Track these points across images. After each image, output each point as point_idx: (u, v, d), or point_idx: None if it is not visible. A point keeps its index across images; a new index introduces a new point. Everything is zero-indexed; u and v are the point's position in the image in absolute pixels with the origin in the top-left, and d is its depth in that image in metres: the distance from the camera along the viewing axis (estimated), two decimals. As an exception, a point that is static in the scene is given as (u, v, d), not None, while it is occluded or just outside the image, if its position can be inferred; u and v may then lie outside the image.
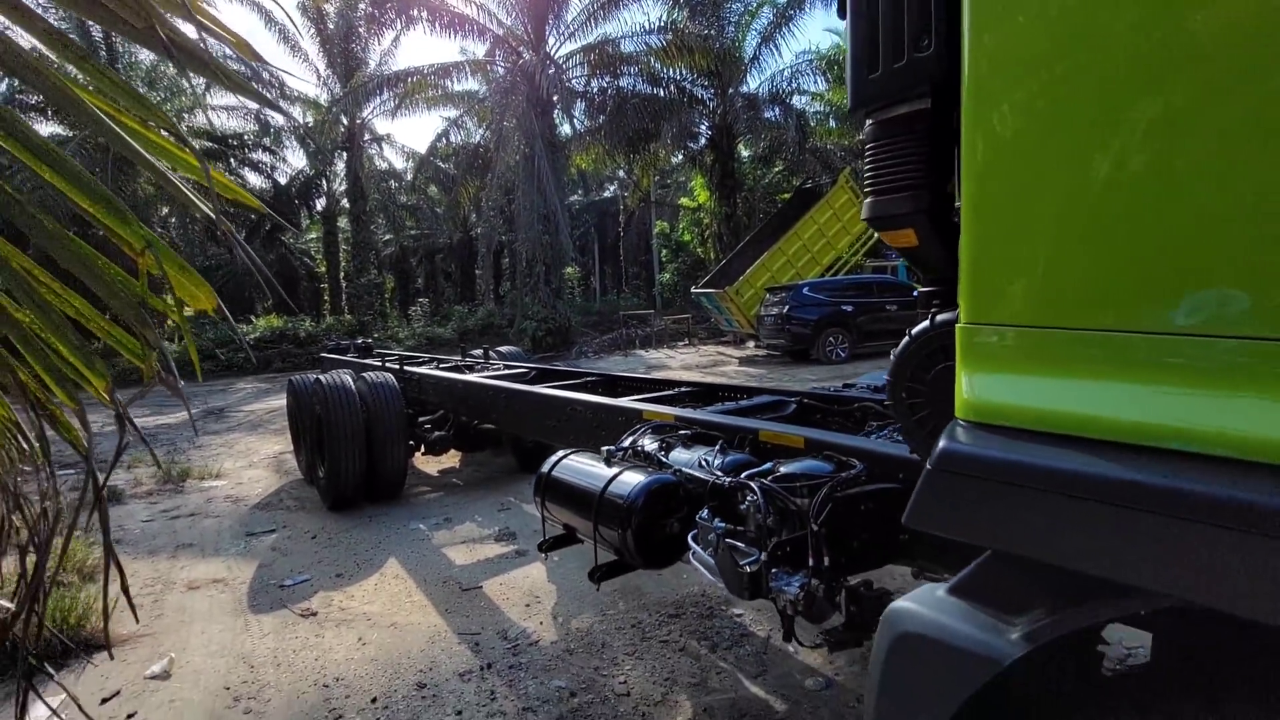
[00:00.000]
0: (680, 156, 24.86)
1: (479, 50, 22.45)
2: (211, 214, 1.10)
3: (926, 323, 1.22)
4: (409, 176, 30.32)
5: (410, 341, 21.78)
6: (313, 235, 35.66)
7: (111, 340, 1.31)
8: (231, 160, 27.47)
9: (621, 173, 29.29)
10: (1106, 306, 0.85)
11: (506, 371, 5.85)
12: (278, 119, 26.09)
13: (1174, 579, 0.73)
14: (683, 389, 3.82)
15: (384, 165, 30.22)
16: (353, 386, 5.37)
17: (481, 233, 23.02)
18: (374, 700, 2.74)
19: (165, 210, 23.44)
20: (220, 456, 7.86)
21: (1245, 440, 0.72)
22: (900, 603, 1.04)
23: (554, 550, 2.74)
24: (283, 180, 29.68)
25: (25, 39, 1.38)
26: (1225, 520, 0.68)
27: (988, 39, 0.93)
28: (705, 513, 1.94)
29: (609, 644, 3.11)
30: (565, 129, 21.58)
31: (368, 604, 3.68)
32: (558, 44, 19.93)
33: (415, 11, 18.47)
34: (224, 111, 25.05)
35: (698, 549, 1.91)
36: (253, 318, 24.23)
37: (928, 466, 0.98)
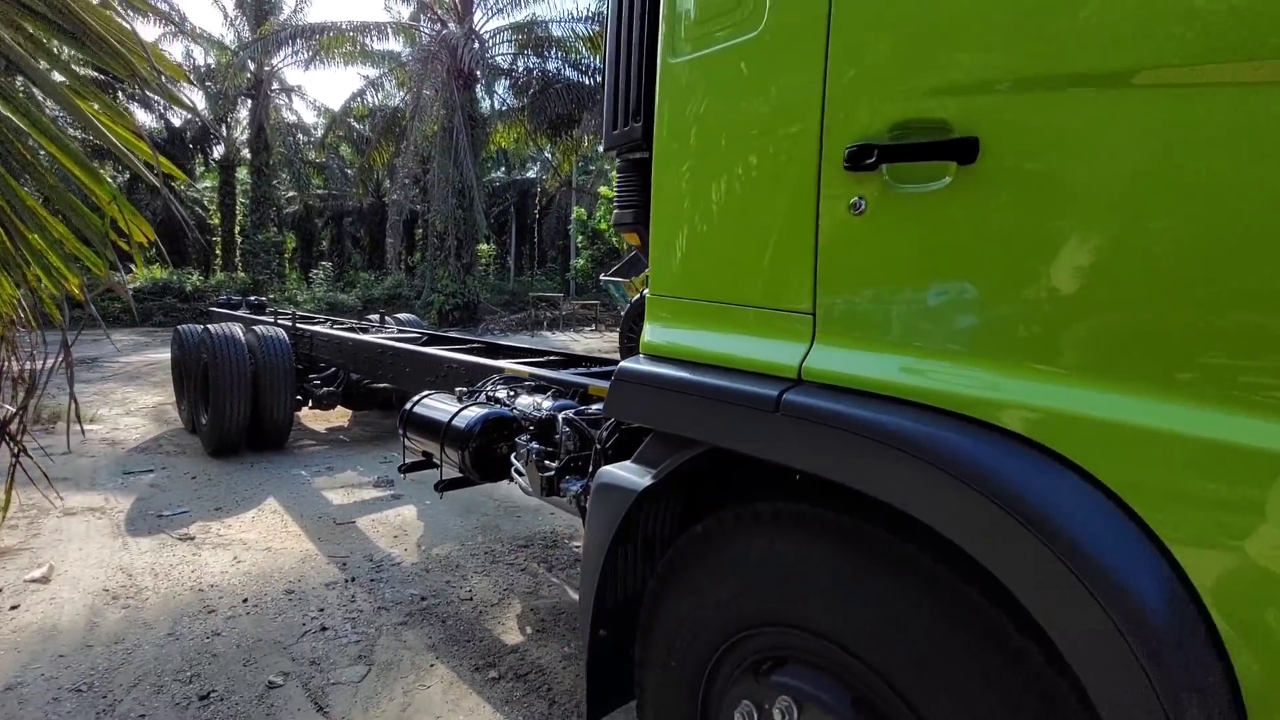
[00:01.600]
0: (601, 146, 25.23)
1: (404, 11, 21.94)
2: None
3: (639, 295, 1.86)
4: (319, 133, 29.04)
5: (309, 305, 21.10)
6: (207, 184, 33.36)
7: (85, 257, 1.87)
8: (119, 94, 25.34)
9: (547, 154, 29.37)
10: (704, 287, 1.50)
11: (400, 335, 6.21)
12: (171, 54, 24.30)
13: (703, 431, 1.40)
14: (551, 357, 4.39)
15: (293, 118, 28.77)
16: (242, 338, 5.58)
17: (394, 200, 22.58)
18: (245, 600, 3.16)
19: (30, 141, 21.48)
20: (95, 404, 7.72)
21: (730, 358, 1.39)
22: (605, 468, 1.68)
23: (412, 472, 3.26)
24: (177, 121, 27.65)
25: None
26: (718, 397, 1.35)
27: (664, 130, 1.56)
28: (524, 437, 2.54)
29: (462, 565, 3.66)
30: (488, 104, 21.52)
31: (244, 533, 4.04)
32: (485, 18, 19.85)
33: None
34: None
35: (517, 464, 2.51)
36: (132, 266, 22.61)
37: (612, 379, 1.62)
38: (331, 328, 6.89)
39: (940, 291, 1.11)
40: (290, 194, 32.49)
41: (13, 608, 2.98)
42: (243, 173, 27.86)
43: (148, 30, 22.86)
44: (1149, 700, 0.84)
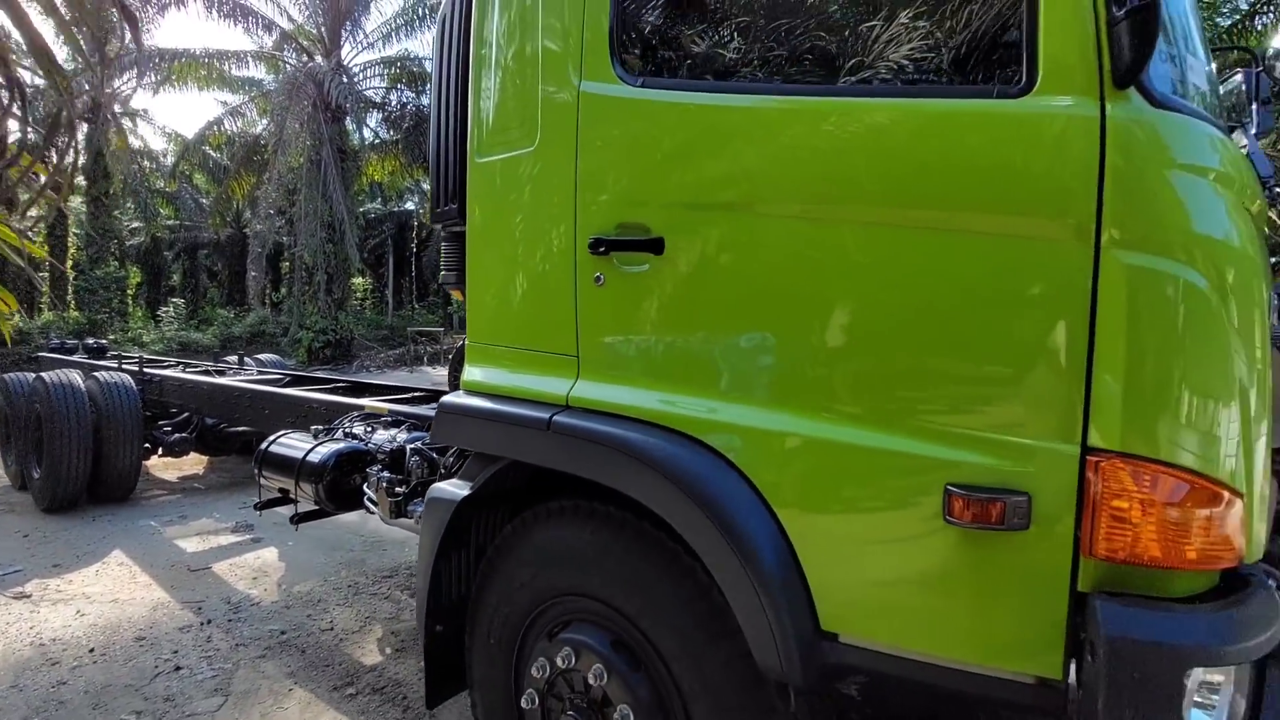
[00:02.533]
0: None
1: (268, 40, 21.15)
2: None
3: (463, 341, 2.26)
4: (170, 160, 27.00)
5: (158, 346, 19.43)
6: (33, 213, 29.81)
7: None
8: (-84, 112, 22.31)
9: (425, 186, 29.01)
10: (504, 335, 1.93)
11: (260, 376, 6.14)
12: (-8, 73, 21.85)
13: (502, 448, 1.82)
14: (414, 393, 4.63)
15: (139, 144, 26.59)
16: (81, 386, 5.33)
17: (257, 232, 21.42)
18: (91, 650, 3.15)
19: None
20: (-110, 464, 6.87)
21: (522, 390, 1.82)
22: (435, 485, 2.03)
23: (268, 509, 3.40)
24: (-7, 145, 24.61)
25: None
26: (510, 420, 1.77)
27: (474, 212, 1.99)
28: (376, 468, 2.83)
29: (324, 599, 3.79)
30: (359, 137, 21.12)
31: (87, 587, 3.92)
32: (355, 51, 19.61)
33: (186, -8, 17.09)
34: (-90, 53, 20.34)
35: (369, 492, 2.78)
36: (-66, 306, 19.76)
37: (436, 410, 2.00)
38: (184, 371, 6.66)
39: (652, 340, 1.60)
40: (135, 225, 29.80)
41: None
42: (78, 201, 25.30)
43: (-43, 44, 20.51)
44: (755, 599, 1.33)
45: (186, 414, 5.96)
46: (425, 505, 2.02)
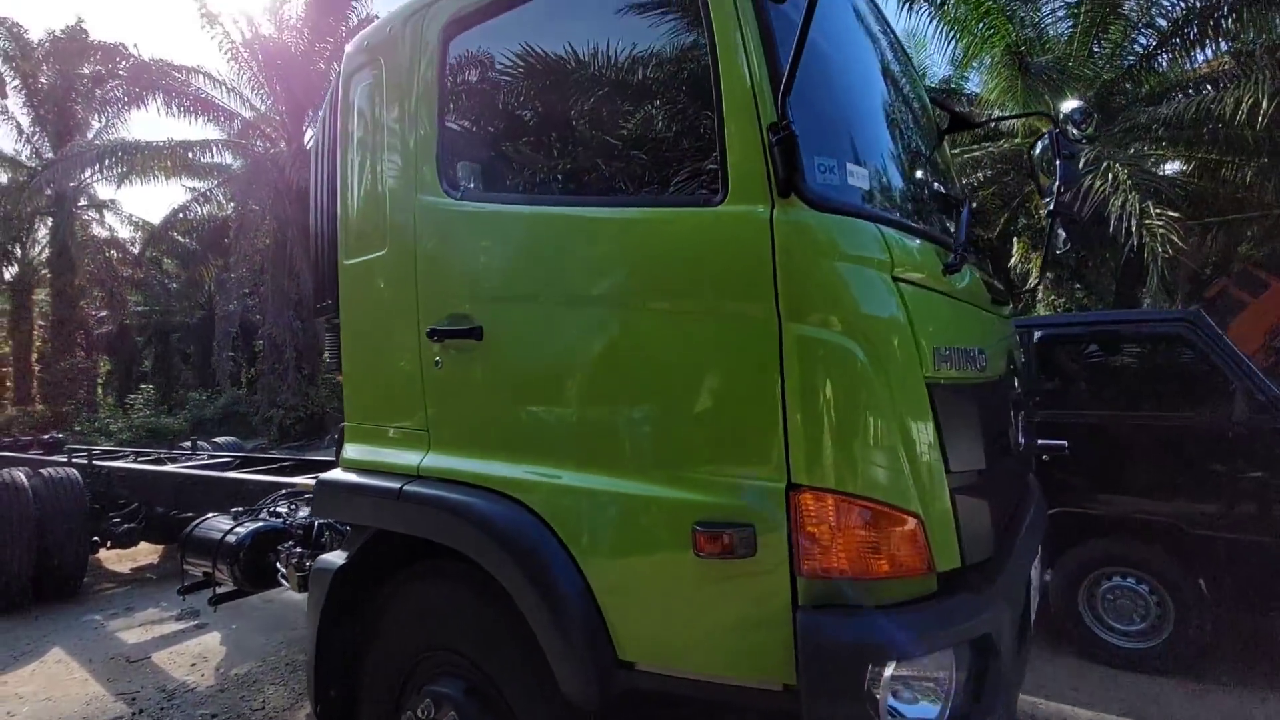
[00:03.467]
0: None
1: (233, 128, 21.78)
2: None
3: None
4: (137, 248, 27.25)
5: (125, 435, 19.19)
6: (-3, 309, 29.72)
7: None
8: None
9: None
10: (372, 415, 2.15)
11: (209, 461, 6.24)
12: (-45, 178, 22.27)
13: (367, 518, 2.02)
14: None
15: (105, 233, 26.85)
16: (25, 483, 5.39)
17: (225, 313, 21.57)
18: (15, 750, 3.18)
19: None
20: None
21: (384, 464, 2.03)
22: (320, 556, 2.22)
23: (191, 593, 3.50)
24: (-45, 246, 24.78)
25: None
26: (371, 492, 1.97)
27: (345, 308, 2.24)
28: (290, 544, 2.99)
29: (260, 680, 3.85)
30: (324, 215, 21.57)
31: (20, 687, 3.94)
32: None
33: (148, 93, 17.72)
34: (-127, 162, 20.67)
35: (281, 569, 2.93)
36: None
37: (315, 487, 2.20)
38: (135, 461, 6.73)
39: (478, 413, 1.84)
40: (103, 314, 29.76)
41: None
42: (42, 294, 25.31)
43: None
44: (557, 636, 1.53)
45: (135, 504, 6.02)
46: (311, 577, 2.19)
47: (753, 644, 1.41)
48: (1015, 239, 13.04)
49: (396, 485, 1.91)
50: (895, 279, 1.42)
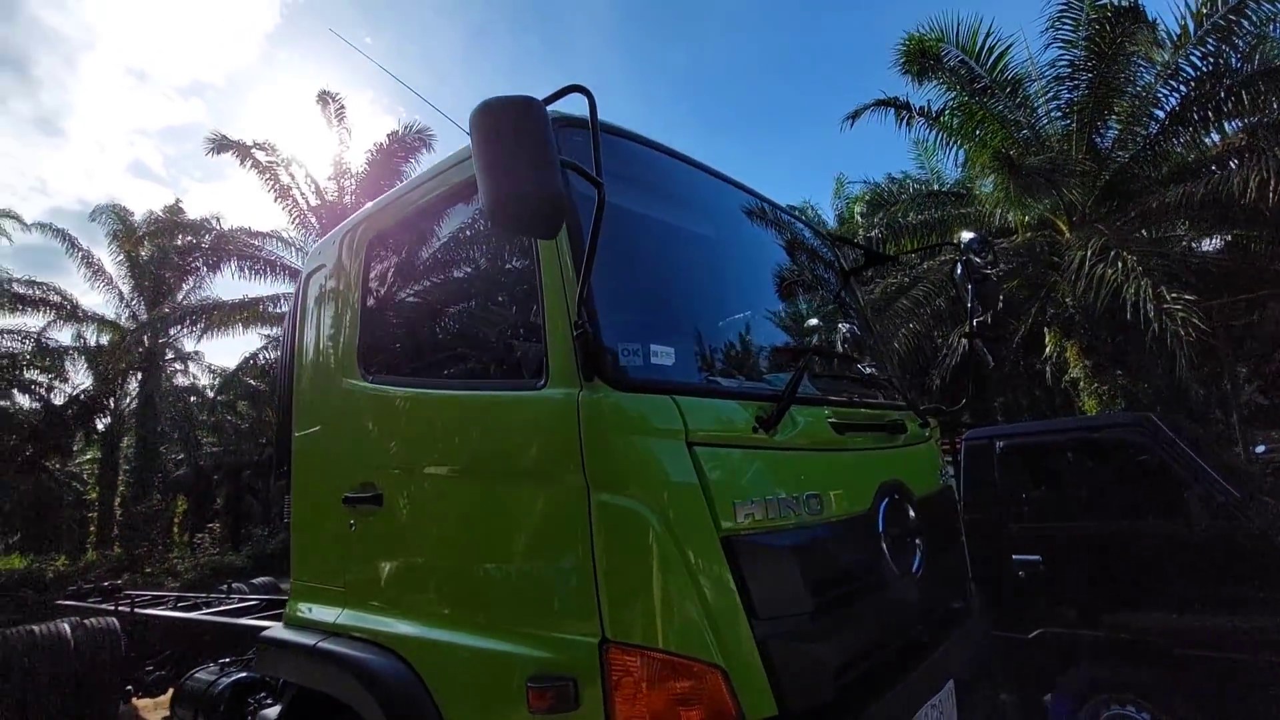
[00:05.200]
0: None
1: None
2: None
3: None
4: (213, 394, 29.51)
5: (190, 575, 19.89)
6: (89, 458, 32.17)
7: None
8: (-3, 383, 25.19)
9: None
10: (308, 575, 2.37)
11: (235, 607, 6.51)
12: (61, 339, 24.99)
13: (291, 674, 2.19)
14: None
15: (186, 382, 29.30)
16: (68, 635, 5.75)
17: (285, 451, 22.73)
18: None
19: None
20: (-101, 733, 7.15)
21: (312, 621, 2.22)
22: (262, 712, 2.38)
23: None
24: (59, 401, 27.40)
25: None
26: (293, 649, 2.16)
27: (294, 475, 2.54)
28: (262, 694, 3.15)
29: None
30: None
31: (30, 847, 4.05)
32: (371, 281, 22.14)
33: (224, 261, 20.04)
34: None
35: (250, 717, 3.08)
36: (-17, 561, 20.90)
37: (256, 644, 2.41)
38: (174, 607, 7.06)
39: (377, 574, 2.05)
40: (179, 456, 31.79)
41: None
42: (128, 441, 27.41)
43: (36, 320, 23.80)
44: None
45: (169, 652, 6.28)
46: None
47: None
48: (1046, 330, 12.86)
49: (312, 641, 2.10)
50: (691, 444, 1.60)
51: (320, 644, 2.05)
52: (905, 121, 12.07)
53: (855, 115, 12.31)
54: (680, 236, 2.17)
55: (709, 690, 1.43)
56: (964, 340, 11.37)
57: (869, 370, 2.94)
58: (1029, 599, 3.46)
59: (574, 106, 1.64)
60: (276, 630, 2.37)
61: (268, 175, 18.85)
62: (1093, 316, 10.55)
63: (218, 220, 23.68)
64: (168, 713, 7.04)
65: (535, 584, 1.63)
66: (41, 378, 26.95)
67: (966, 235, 3.16)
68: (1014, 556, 3.54)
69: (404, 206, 2.26)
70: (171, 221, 24.81)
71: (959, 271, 3.11)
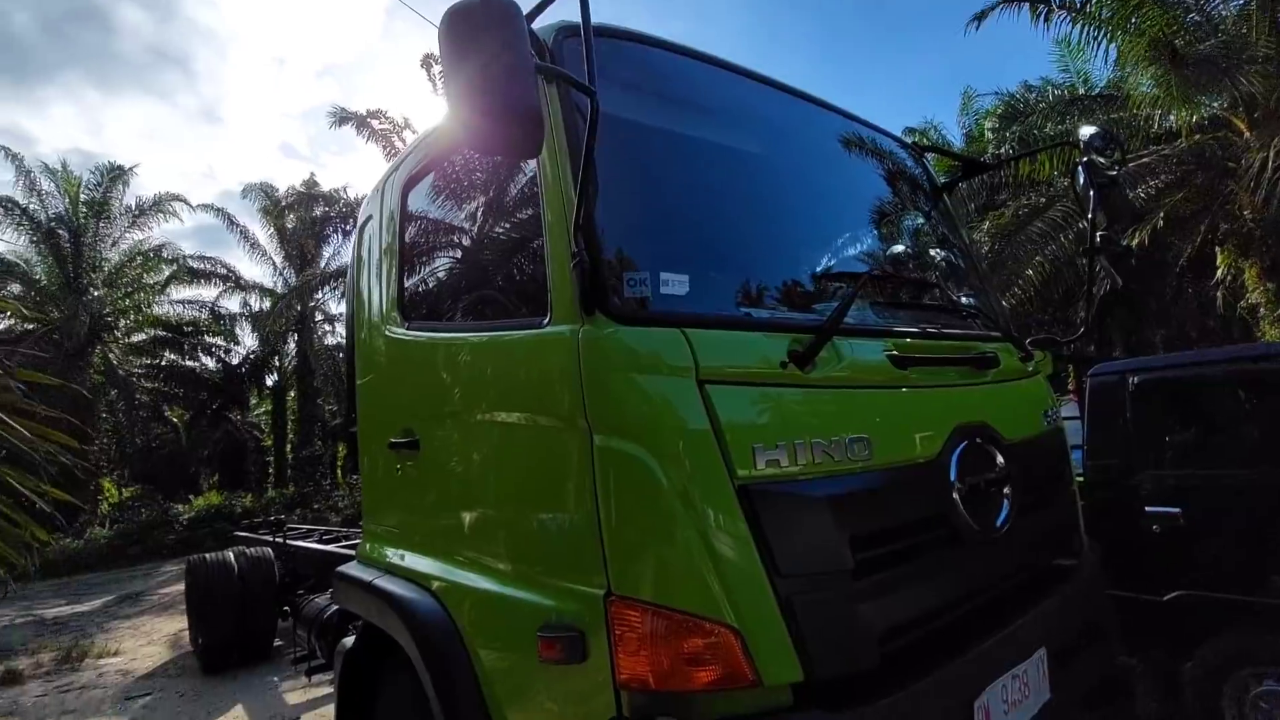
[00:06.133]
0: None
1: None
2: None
3: None
4: (356, 351, 32.27)
5: (350, 510, 22.40)
6: (263, 410, 36.73)
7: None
8: (185, 346, 29.09)
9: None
10: (372, 518, 2.47)
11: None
12: (231, 308, 28.26)
13: (358, 610, 2.30)
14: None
15: (334, 341, 32.36)
16: (232, 562, 6.61)
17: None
18: (181, 793, 3.87)
19: (114, 393, 24.62)
20: (123, 637, 8.69)
21: (379, 559, 2.31)
22: (343, 639, 2.54)
23: (299, 663, 4.06)
24: (234, 361, 31.28)
25: None
26: (358, 584, 2.26)
27: (358, 423, 2.64)
28: (360, 621, 3.41)
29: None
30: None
31: (205, 738, 4.77)
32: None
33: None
34: (180, 305, 26.82)
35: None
36: (191, 497, 24.62)
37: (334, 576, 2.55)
38: (318, 540, 7.91)
39: (419, 516, 2.07)
40: (333, 407, 35.50)
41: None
42: (292, 394, 30.95)
43: (210, 291, 27.11)
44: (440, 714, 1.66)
45: (314, 579, 7.07)
46: (335, 655, 2.52)
47: None
48: (1218, 249, 10.98)
49: (370, 578, 2.19)
50: (703, 382, 1.43)
51: (376, 580, 2.14)
52: (1043, 17, 10.46)
53: (982, 16, 10.83)
54: (705, 150, 1.94)
55: (722, 651, 1.30)
56: (1101, 263, 9.95)
57: (959, 298, 2.56)
58: (1165, 557, 2.98)
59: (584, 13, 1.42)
60: (348, 566, 2.51)
61: (383, 142, 19.83)
62: (1277, 231, 8.84)
63: (345, 190, 25.37)
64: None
65: (545, 532, 1.56)
66: (219, 341, 30.93)
67: (1086, 130, 2.64)
68: (1148, 509, 3.05)
69: (430, 147, 2.20)
70: (307, 194, 26.99)
71: (1079, 177, 2.62)
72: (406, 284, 2.28)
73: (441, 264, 2.27)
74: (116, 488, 26.65)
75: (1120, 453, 3.30)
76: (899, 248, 2.54)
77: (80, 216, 22.64)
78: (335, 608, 3.61)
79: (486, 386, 1.76)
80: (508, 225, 1.91)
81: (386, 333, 2.29)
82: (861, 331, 1.81)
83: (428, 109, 23.65)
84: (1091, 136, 2.62)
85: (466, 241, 2.09)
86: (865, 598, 1.49)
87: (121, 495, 25.11)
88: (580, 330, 1.46)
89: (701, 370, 1.43)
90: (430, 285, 2.26)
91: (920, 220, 2.62)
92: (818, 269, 1.99)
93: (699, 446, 1.38)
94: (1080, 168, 2.63)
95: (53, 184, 22.30)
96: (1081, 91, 13.90)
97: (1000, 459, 1.98)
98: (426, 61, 19.81)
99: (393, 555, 2.19)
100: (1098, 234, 2.60)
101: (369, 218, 2.67)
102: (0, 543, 2.54)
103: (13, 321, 21.86)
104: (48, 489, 2.59)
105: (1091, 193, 2.55)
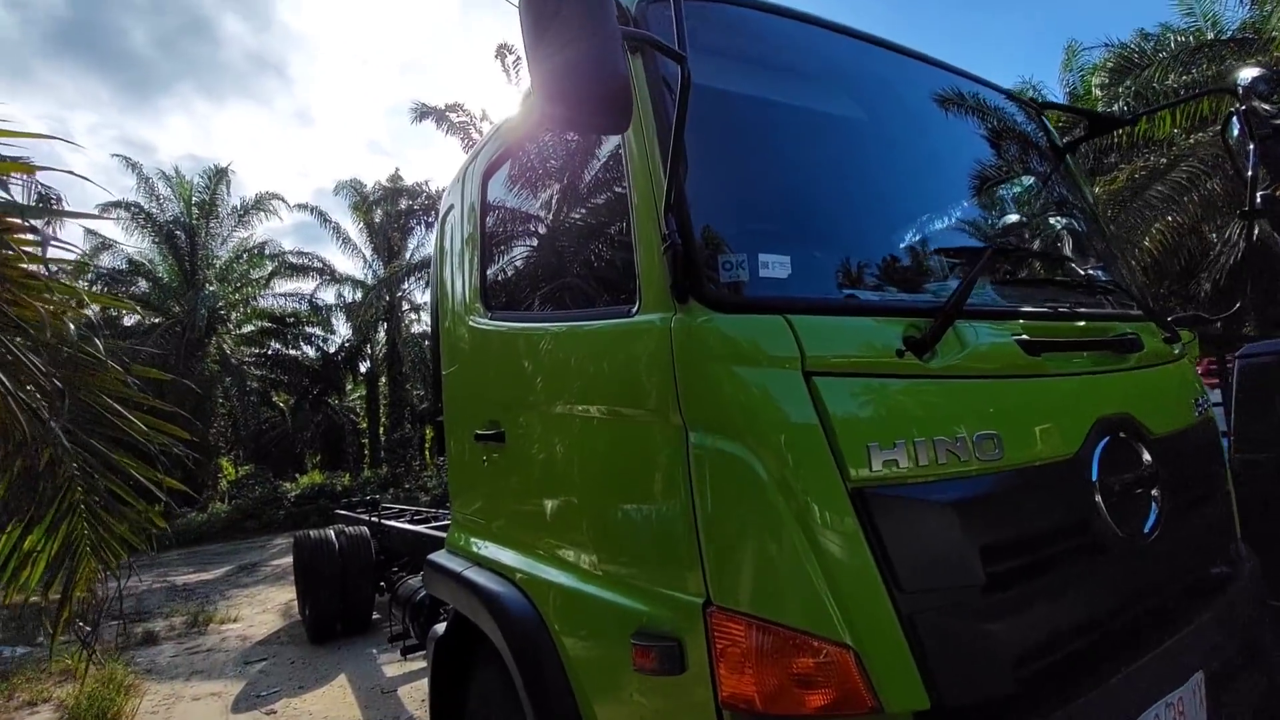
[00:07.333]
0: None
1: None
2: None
3: None
4: (441, 338, 33.60)
5: (437, 490, 23.49)
6: (358, 395, 38.97)
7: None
8: (287, 336, 31.13)
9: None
10: (460, 506, 2.47)
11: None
12: (325, 299, 29.96)
13: (447, 598, 2.31)
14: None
15: (420, 329, 33.82)
16: (333, 540, 7.00)
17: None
18: (293, 758, 4.12)
19: (228, 380, 26.72)
20: (242, 605, 9.43)
21: (464, 550, 2.31)
22: (435, 625, 2.58)
23: (395, 641, 4.20)
24: (331, 349, 33.27)
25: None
26: (446, 574, 2.27)
27: (444, 413, 2.65)
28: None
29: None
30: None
31: (312, 705, 5.07)
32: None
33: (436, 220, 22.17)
34: (282, 298, 28.62)
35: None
36: (297, 475, 26.47)
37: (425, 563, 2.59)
38: (410, 520, 8.27)
39: (506, 510, 2.04)
40: (421, 393, 37.22)
41: (139, 770, 4.12)
42: (383, 380, 32.67)
43: (308, 284, 28.87)
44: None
45: (407, 558, 7.40)
46: (428, 641, 2.57)
47: None
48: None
49: (460, 569, 2.19)
50: (810, 374, 1.29)
51: (465, 572, 2.14)
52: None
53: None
54: (804, 118, 1.77)
55: (837, 672, 1.18)
56: (1262, 227, 8.88)
57: (1090, 272, 2.28)
58: None
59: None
60: (438, 555, 2.54)
61: (461, 134, 20.31)
62: None
63: (427, 183, 26.25)
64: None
65: (639, 533, 1.47)
66: (318, 331, 32.96)
67: (1246, 73, 2.28)
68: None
69: (508, 134, 2.14)
70: (392, 189, 28.15)
71: (1234, 128, 2.27)
72: (489, 272, 2.25)
73: (523, 252, 2.22)
74: (233, 466, 28.98)
75: (1274, 444, 2.90)
76: (1020, 217, 2.28)
77: (193, 218, 24.51)
78: (427, 592, 3.72)
79: (572, 379, 1.69)
80: (592, 209, 1.83)
81: (470, 322, 2.28)
82: (985, 314, 1.62)
83: (503, 100, 24.06)
84: (1253, 80, 2.26)
85: (548, 229, 2.03)
86: (998, 616, 1.33)
87: (238, 473, 27.28)
88: (673, 319, 1.36)
89: (808, 360, 1.29)
90: (512, 274, 2.22)
91: (1043, 185, 2.34)
92: (932, 245, 1.79)
93: (807, 444, 1.25)
94: (1235, 117, 2.29)
95: (169, 189, 24.28)
96: (1210, 37, 12.43)
97: (1147, 455, 1.73)
98: (500, 52, 20.08)
99: (480, 546, 2.18)
100: (1257, 194, 2.25)
101: (450, 208, 2.66)
102: (124, 527, 2.76)
103: (141, 316, 24.11)
104: (163, 479, 2.79)
105: (1250, 146, 2.21)
